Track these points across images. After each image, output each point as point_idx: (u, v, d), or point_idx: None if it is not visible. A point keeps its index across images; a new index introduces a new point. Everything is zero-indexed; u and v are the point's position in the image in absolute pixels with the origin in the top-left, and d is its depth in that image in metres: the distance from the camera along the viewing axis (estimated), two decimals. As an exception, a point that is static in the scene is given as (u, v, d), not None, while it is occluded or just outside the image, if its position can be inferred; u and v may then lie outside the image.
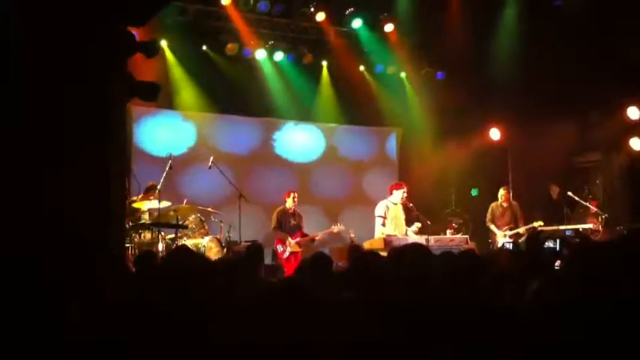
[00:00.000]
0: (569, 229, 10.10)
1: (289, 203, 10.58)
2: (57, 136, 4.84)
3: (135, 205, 9.27)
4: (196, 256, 3.37)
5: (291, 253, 10.34)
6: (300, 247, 10.45)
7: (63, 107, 4.91)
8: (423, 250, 3.48)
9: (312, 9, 11.51)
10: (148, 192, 9.60)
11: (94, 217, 4.70)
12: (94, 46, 5.10)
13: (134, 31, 6.05)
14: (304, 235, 10.59)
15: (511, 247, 7.75)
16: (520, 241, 10.40)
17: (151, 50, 6.38)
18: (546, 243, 6.37)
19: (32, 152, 4.69)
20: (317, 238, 10.74)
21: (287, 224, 10.52)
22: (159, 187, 9.46)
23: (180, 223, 9.38)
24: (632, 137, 11.07)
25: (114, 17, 5.29)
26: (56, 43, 4.89)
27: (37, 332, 2.51)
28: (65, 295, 2.66)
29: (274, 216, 10.60)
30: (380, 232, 9.89)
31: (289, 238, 10.37)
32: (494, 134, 12.48)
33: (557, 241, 6.96)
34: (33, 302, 2.57)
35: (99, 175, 4.87)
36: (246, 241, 9.97)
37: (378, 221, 10.02)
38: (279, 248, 10.38)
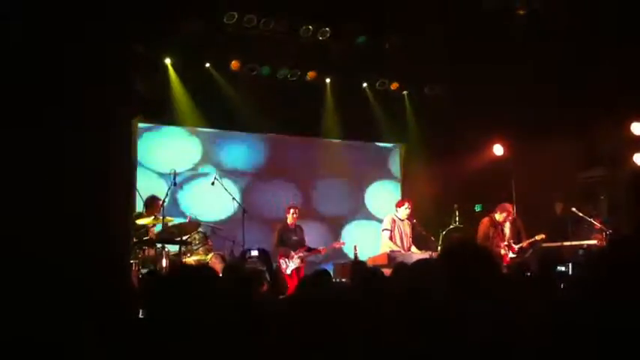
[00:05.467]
0: (582, 250, 10.04)
1: (289, 219, 10.64)
2: (62, 153, 4.85)
3: (139, 221, 9.27)
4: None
5: (294, 268, 10.35)
6: (302, 262, 10.46)
7: (68, 124, 4.92)
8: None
9: (316, 26, 11.56)
10: (151, 205, 9.59)
11: (100, 233, 4.70)
12: (101, 63, 5.12)
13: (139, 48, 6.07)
14: (308, 250, 10.61)
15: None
16: (526, 255, 10.39)
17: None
18: (558, 267, 6.35)
19: (34, 167, 4.69)
20: (310, 253, 10.71)
21: (289, 240, 10.53)
22: (161, 203, 9.47)
23: (184, 239, 9.38)
24: (636, 152, 11.06)
25: (121, 35, 5.32)
26: (63, 59, 4.91)
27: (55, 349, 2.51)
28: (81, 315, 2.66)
29: (276, 233, 10.66)
30: (386, 245, 9.91)
31: (292, 253, 10.39)
32: (498, 150, 12.48)
33: (570, 265, 6.91)
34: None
35: (104, 192, 4.88)
36: (250, 250, 9.70)
37: (385, 234, 10.06)
38: (283, 263, 10.38)
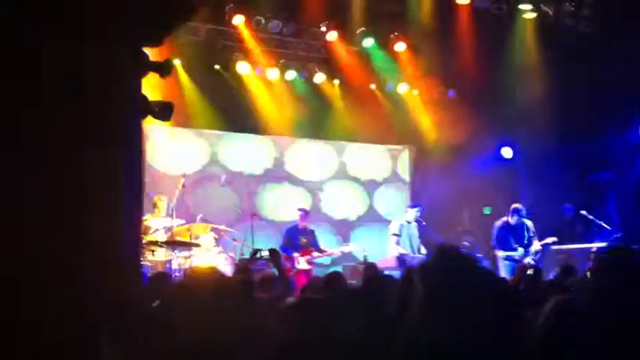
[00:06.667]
0: (592, 254, 9.91)
1: (299, 221, 10.68)
2: (69, 156, 4.86)
3: (148, 222, 9.29)
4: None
5: (301, 270, 10.32)
6: (309, 264, 10.44)
7: (76, 128, 4.93)
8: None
9: (324, 28, 11.58)
10: (160, 207, 9.63)
11: (110, 235, 4.70)
12: (109, 65, 5.13)
13: (147, 51, 6.07)
14: (320, 251, 10.60)
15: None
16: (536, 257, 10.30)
17: (165, 70, 6.40)
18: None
19: (40, 170, 4.70)
20: (322, 254, 10.72)
21: (296, 242, 10.53)
22: (171, 204, 9.49)
23: (194, 241, 9.40)
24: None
25: (128, 37, 5.32)
26: (71, 63, 4.92)
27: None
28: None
29: (284, 234, 10.70)
30: (394, 249, 9.89)
31: (295, 255, 10.36)
32: (507, 152, 12.46)
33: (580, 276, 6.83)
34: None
35: (114, 194, 4.88)
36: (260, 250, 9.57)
37: (393, 239, 10.04)
38: (288, 264, 10.36)
